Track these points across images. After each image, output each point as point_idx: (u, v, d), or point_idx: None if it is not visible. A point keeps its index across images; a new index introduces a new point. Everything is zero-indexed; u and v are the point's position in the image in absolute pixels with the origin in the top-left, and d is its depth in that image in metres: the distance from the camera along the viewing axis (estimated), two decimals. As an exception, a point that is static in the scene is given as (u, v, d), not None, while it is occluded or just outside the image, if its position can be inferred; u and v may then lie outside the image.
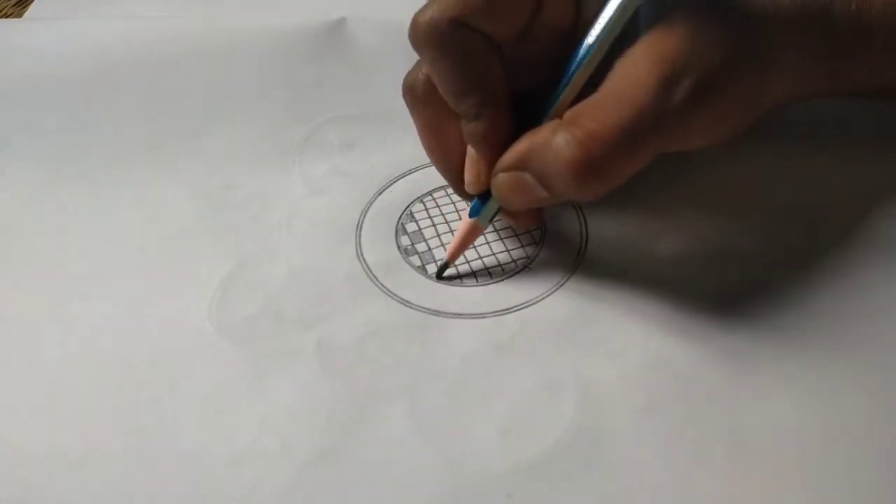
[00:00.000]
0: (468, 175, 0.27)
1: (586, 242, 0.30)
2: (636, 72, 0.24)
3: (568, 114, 0.24)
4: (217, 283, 0.29)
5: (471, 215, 0.28)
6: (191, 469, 0.24)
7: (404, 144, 0.34)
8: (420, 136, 0.29)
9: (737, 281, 0.28)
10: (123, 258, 0.30)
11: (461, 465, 0.24)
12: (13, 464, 0.24)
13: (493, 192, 0.27)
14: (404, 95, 0.28)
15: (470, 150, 0.27)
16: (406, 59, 0.38)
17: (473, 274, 0.29)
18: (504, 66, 0.26)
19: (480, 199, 0.28)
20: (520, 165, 0.25)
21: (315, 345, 0.27)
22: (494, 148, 0.26)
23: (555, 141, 0.24)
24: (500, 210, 0.28)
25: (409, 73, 0.28)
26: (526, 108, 0.26)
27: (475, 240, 0.29)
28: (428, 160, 0.30)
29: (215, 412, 0.25)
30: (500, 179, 0.26)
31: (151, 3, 0.43)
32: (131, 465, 0.24)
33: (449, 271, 0.29)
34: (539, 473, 0.23)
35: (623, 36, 0.24)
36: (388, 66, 0.38)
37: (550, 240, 0.30)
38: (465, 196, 0.29)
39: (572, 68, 0.25)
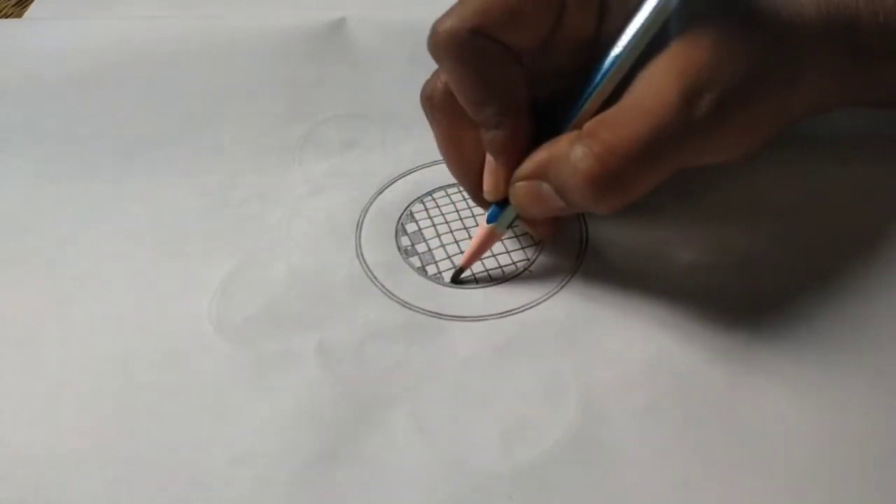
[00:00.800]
0: (487, 183, 0.27)
1: (586, 245, 0.30)
2: (658, 84, 0.23)
3: (587, 125, 0.24)
4: (217, 283, 0.29)
5: (488, 221, 0.28)
6: (191, 470, 0.24)
7: (404, 144, 0.34)
8: (438, 144, 0.29)
9: (736, 282, 0.28)
10: (123, 258, 0.30)
11: (462, 466, 0.24)
12: (13, 464, 0.24)
13: (511, 200, 0.27)
14: (422, 104, 0.28)
15: (489, 158, 0.27)
16: (406, 58, 0.38)
17: (473, 276, 0.29)
18: (524, 76, 0.26)
19: (498, 207, 0.28)
20: (538, 175, 0.25)
21: (315, 346, 0.27)
22: (513, 156, 0.26)
23: (573, 153, 0.23)
24: (517, 217, 0.28)
25: (428, 82, 0.28)
26: (546, 118, 0.26)
27: (492, 246, 0.29)
28: (427, 160, 0.30)
29: (215, 413, 0.25)
30: (518, 188, 0.26)
31: (151, 3, 0.43)
32: (131, 466, 0.24)
33: (450, 273, 0.29)
34: (539, 475, 0.23)
35: (648, 49, 0.24)
36: (387, 66, 0.38)
37: (548, 242, 0.30)
38: (483, 203, 0.29)
39: (596, 79, 0.24)
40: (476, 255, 0.29)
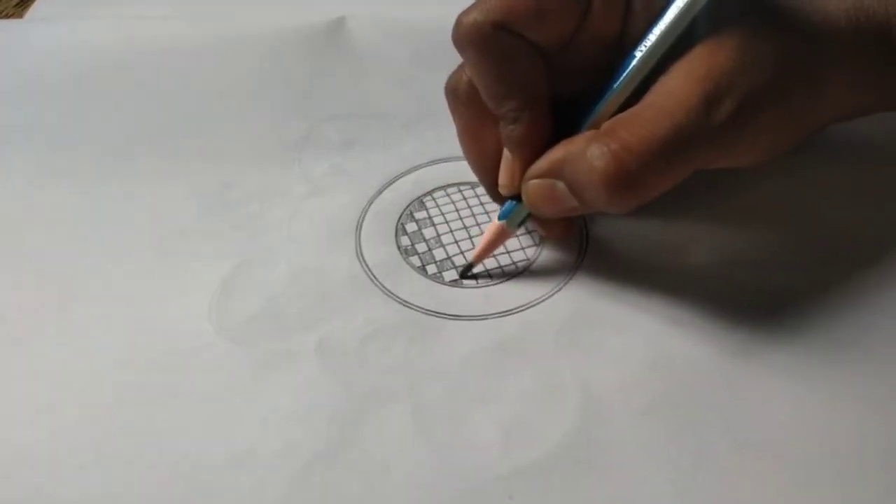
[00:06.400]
0: (503, 177, 0.27)
1: (587, 244, 0.30)
2: (679, 87, 0.23)
3: (606, 124, 0.24)
4: (217, 283, 0.29)
5: (500, 218, 0.28)
6: (191, 470, 0.24)
7: (404, 144, 0.34)
8: (459, 136, 0.29)
9: (737, 283, 0.28)
10: (124, 258, 0.30)
11: (462, 467, 0.24)
12: (13, 465, 0.24)
13: (524, 197, 0.27)
14: (447, 96, 0.28)
15: (506, 153, 0.27)
16: (406, 58, 0.38)
17: (474, 276, 0.29)
18: (546, 72, 0.26)
19: (511, 203, 0.28)
20: (552, 173, 0.25)
21: (315, 345, 0.27)
22: (530, 152, 0.26)
23: (589, 151, 0.23)
24: (529, 216, 0.28)
25: (453, 74, 0.28)
26: (568, 117, 0.26)
27: (502, 243, 0.29)
28: (427, 160, 0.30)
29: (215, 413, 0.25)
30: (532, 186, 0.26)
31: (151, 3, 0.43)
32: (131, 466, 0.24)
33: (449, 273, 0.29)
34: (540, 476, 0.23)
35: (672, 51, 0.24)
36: (387, 66, 0.38)
37: (551, 242, 0.30)
38: (498, 199, 0.29)
39: (616, 79, 0.25)
40: (486, 251, 0.29)
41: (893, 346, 0.26)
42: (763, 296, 0.27)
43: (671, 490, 0.23)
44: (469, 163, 0.29)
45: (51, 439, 0.25)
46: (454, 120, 0.29)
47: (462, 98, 0.28)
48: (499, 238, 0.28)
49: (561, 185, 0.25)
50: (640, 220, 0.30)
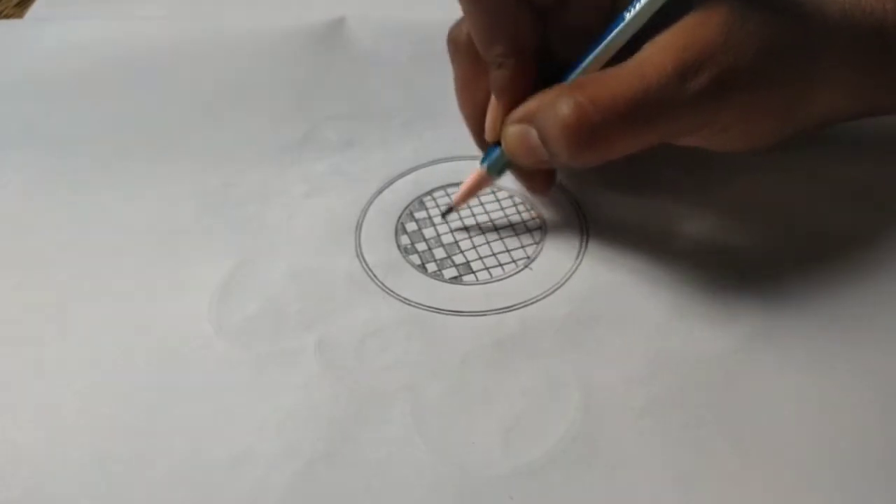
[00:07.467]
0: (487, 122, 0.28)
1: (587, 242, 0.30)
2: (658, 53, 0.24)
3: (579, 79, 0.25)
4: (217, 283, 0.29)
5: (482, 163, 0.29)
6: (190, 471, 0.24)
7: (404, 144, 0.34)
8: (455, 84, 0.30)
9: (738, 282, 0.28)
10: (123, 257, 0.30)
11: (462, 465, 0.24)
12: (13, 464, 0.24)
13: (503, 142, 0.27)
14: (448, 45, 0.29)
15: (493, 100, 0.28)
16: (406, 58, 0.38)
17: (474, 273, 0.29)
18: (535, 25, 0.26)
19: (494, 149, 0.28)
20: (527, 120, 0.26)
21: (315, 345, 0.27)
22: (513, 98, 0.27)
23: (558, 100, 0.24)
24: (509, 166, 0.29)
25: (455, 24, 0.29)
26: (560, 77, 0.27)
27: (483, 188, 0.30)
28: (427, 160, 0.30)
29: (215, 413, 0.25)
30: (509, 131, 0.27)
31: (151, 3, 0.43)
32: (130, 466, 0.24)
33: (449, 271, 0.29)
34: (540, 475, 0.23)
35: (662, 20, 0.24)
36: (387, 66, 0.38)
37: (551, 239, 0.30)
38: (482, 146, 0.30)
39: (602, 39, 0.25)
40: (466, 194, 0.30)
41: (894, 345, 0.26)
42: (763, 294, 0.27)
43: (671, 489, 0.23)
44: (461, 109, 0.30)
45: (51, 439, 0.25)
46: (452, 68, 0.30)
47: (461, 48, 0.29)
48: (479, 183, 0.29)
49: (534, 132, 0.25)
50: (642, 218, 0.30)
